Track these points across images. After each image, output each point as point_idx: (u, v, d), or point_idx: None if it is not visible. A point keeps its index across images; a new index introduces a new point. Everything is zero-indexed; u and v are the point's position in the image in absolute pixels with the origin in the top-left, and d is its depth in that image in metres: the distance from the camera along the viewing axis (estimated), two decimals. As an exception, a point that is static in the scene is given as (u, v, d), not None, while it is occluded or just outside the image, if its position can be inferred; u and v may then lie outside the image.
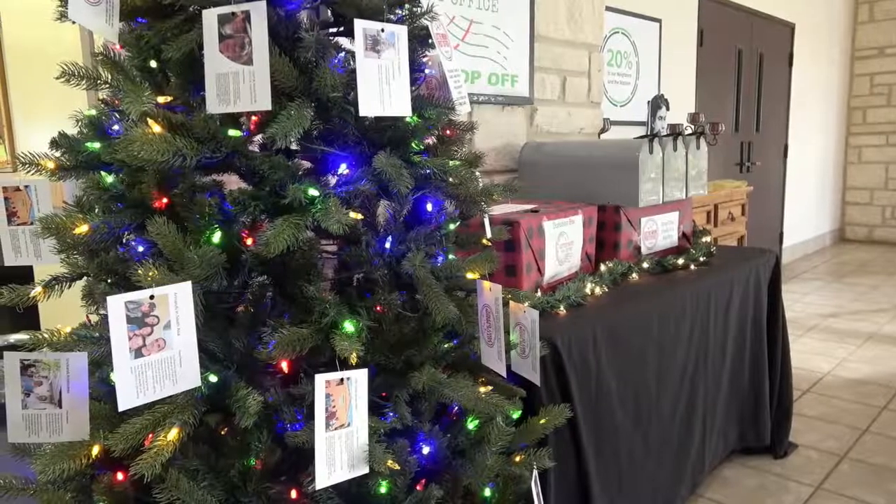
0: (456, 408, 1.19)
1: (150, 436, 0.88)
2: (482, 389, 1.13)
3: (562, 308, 1.74)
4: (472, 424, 1.17)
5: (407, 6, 1.13)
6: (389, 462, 0.97)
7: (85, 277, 1.10)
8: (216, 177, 1.06)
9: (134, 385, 0.82)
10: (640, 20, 4.03)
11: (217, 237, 0.97)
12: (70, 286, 1.11)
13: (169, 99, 1.06)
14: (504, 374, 1.16)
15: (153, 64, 1.07)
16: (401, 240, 1.10)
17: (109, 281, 1.05)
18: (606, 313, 1.76)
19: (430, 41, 1.17)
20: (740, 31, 5.17)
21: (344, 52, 1.10)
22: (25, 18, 2.45)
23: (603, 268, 2.06)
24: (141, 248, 1.01)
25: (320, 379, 0.93)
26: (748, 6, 5.15)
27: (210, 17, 0.92)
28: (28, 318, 1.94)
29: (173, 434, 0.87)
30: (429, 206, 1.14)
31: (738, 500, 2.21)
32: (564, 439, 1.54)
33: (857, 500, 2.15)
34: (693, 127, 3.62)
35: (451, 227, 1.16)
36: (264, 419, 0.97)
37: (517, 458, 1.20)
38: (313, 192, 0.96)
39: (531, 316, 1.17)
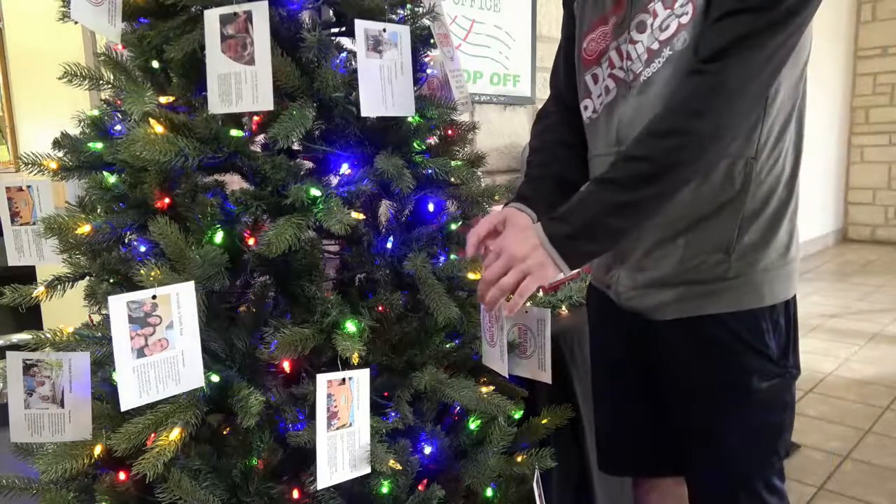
0: (458, 408, 1.19)
1: (153, 436, 0.88)
2: (484, 389, 1.13)
3: (564, 308, 1.74)
4: (473, 424, 1.17)
5: (409, 6, 1.13)
6: (391, 462, 0.97)
7: (87, 277, 1.10)
8: (218, 177, 1.07)
9: (136, 385, 0.82)
10: (643, 20, 4.02)
11: (219, 237, 0.97)
12: (72, 286, 1.12)
13: (171, 99, 1.06)
14: (505, 374, 1.16)
15: (155, 64, 1.07)
16: (403, 240, 1.10)
17: (112, 281, 1.05)
18: (608, 313, 1.75)
19: (431, 41, 1.17)
20: (743, 30, 5.15)
21: (346, 52, 1.10)
22: (28, 19, 2.45)
23: (605, 268, 2.06)
24: (143, 248, 1.01)
25: (322, 379, 0.93)
26: (750, 6, 5.13)
27: (212, 17, 0.92)
28: (30, 318, 1.94)
29: (175, 434, 0.87)
30: (430, 207, 1.14)
31: (740, 501, 2.20)
32: (566, 439, 1.54)
33: (859, 500, 2.15)
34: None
35: (453, 226, 1.16)
36: (266, 419, 0.97)
37: (519, 458, 1.20)
38: (315, 192, 0.96)
39: (539, 315, 1.16)
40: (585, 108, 1.10)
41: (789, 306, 1.05)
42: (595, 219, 0.92)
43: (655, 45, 0.96)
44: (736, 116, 0.89)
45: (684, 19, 0.93)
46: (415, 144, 1.13)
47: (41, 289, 1.08)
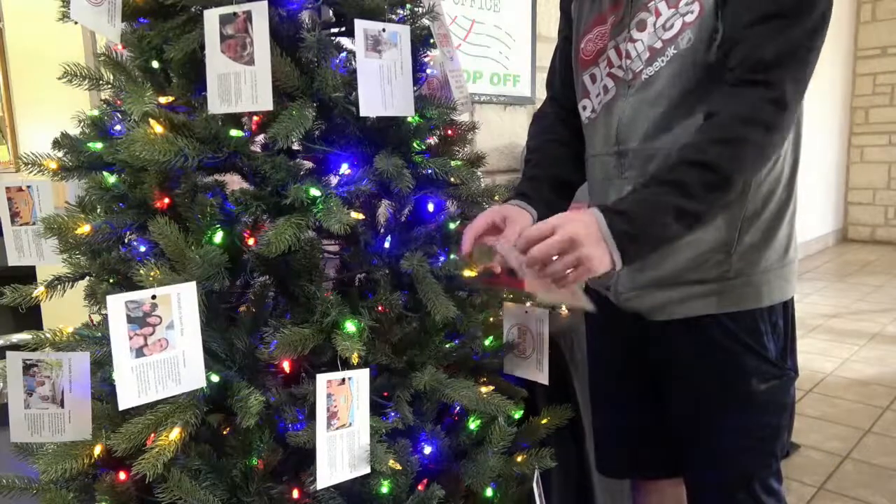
0: (458, 408, 1.19)
1: (153, 435, 0.88)
2: (484, 389, 1.13)
3: (564, 308, 1.73)
4: (473, 424, 1.17)
5: (409, 6, 1.13)
6: (391, 462, 0.97)
7: (87, 277, 1.10)
8: (218, 177, 1.07)
9: (134, 384, 0.82)
10: (643, 20, 4.02)
11: (219, 237, 0.97)
12: (72, 286, 1.12)
13: (171, 99, 1.06)
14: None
15: (155, 64, 1.07)
16: (402, 240, 1.10)
17: (112, 281, 1.05)
18: (608, 313, 1.75)
19: (431, 41, 1.17)
20: (743, 30, 5.14)
21: (346, 52, 1.10)
22: (28, 19, 2.45)
23: (605, 268, 2.05)
24: (143, 248, 1.01)
25: (322, 379, 0.93)
26: (750, 6, 5.12)
27: (211, 17, 0.92)
28: (30, 318, 1.94)
29: (175, 434, 0.87)
30: (430, 207, 1.14)
31: (740, 501, 2.20)
32: (566, 439, 1.54)
33: (859, 500, 2.15)
34: (695, 127, 3.61)
35: (452, 226, 1.16)
36: (266, 419, 0.97)
37: (519, 458, 1.20)
38: (315, 192, 0.96)
39: (537, 316, 1.16)
40: (584, 108, 1.10)
41: (787, 308, 1.04)
42: (659, 221, 0.87)
43: (658, 44, 0.95)
44: (791, 124, 0.91)
45: (689, 18, 0.92)
46: (414, 144, 1.13)
47: (41, 289, 1.08)
